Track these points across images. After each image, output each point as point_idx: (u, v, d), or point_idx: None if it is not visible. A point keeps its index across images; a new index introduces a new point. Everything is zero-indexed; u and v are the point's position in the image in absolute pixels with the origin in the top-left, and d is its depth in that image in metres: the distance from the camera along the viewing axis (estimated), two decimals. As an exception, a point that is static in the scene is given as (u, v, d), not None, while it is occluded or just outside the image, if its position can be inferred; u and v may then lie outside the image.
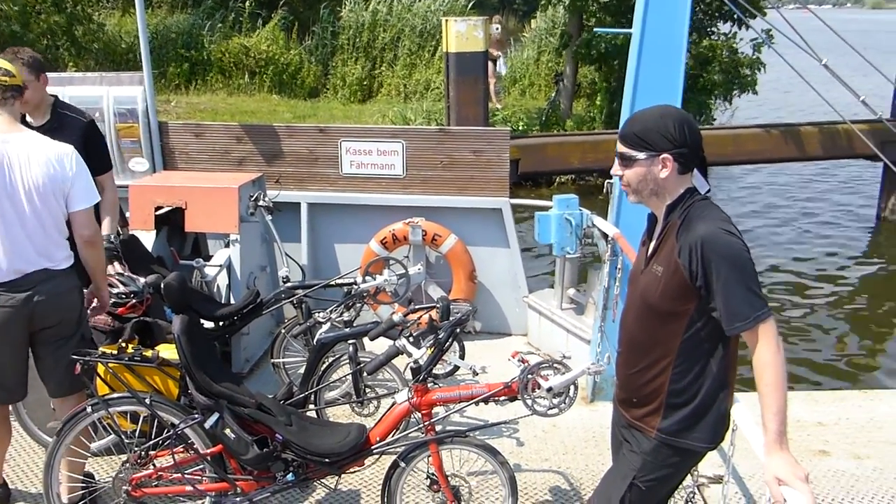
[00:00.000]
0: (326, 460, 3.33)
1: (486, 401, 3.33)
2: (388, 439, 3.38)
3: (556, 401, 3.13)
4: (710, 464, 4.03)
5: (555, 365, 3.23)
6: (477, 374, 4.55)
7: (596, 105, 15.58)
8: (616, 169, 2.38)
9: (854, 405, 5.03)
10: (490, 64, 16.60)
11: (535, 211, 5.45)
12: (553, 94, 16.18)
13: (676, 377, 2.37)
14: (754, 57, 14.35)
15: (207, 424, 3.25)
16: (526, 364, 3.36)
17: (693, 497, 3.50)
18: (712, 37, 14.87)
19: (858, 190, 14.39)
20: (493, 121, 13.41)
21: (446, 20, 10.74)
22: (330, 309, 4.41)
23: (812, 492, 2.12)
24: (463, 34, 10.41)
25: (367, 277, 4.59)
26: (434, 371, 4.37)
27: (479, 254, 5.89)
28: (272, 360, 4.88)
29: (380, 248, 5.74)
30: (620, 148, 2.35)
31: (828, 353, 8.10)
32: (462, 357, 4.55)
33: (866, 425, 4.77)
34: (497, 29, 16.00)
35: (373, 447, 3.35)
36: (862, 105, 5.20)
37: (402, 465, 3.31)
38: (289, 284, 4.85)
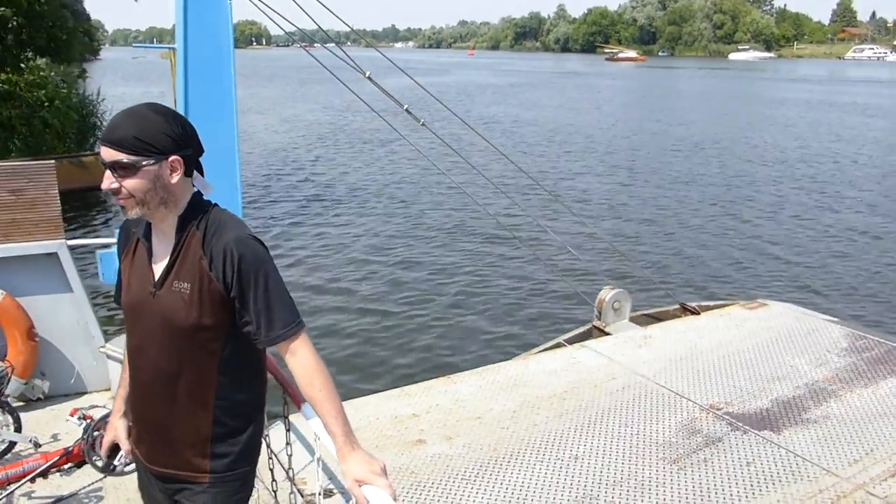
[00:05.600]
0: None
1: (44, 475, 2.83)
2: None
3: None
4: (321, 476, 4.00)
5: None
6: (40, 446, 3.96)
7: None
8: (109, 182, 2.02)
9: (441, 391, 5.40)
10: None
11: (97, 249, 4.90)
12: None
13: (220, 401, 2.17)
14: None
15: None
16: (90, 420, 2.95)
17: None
18: (22, 69, 15.21)
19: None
20: None
21: None
22: None
23: (390, 484, 2.10)
24: None
25: None
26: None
27: (38, 306, 5.07)
28: None
29: None
30: (115, 156, 2.00)
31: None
32: (18, 430, 3.86)
33: (453, 408, 5.14)
34: None
35: None
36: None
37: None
38: None
